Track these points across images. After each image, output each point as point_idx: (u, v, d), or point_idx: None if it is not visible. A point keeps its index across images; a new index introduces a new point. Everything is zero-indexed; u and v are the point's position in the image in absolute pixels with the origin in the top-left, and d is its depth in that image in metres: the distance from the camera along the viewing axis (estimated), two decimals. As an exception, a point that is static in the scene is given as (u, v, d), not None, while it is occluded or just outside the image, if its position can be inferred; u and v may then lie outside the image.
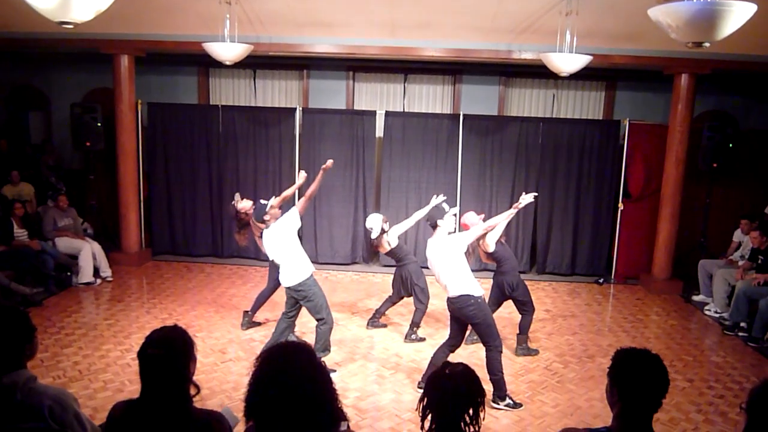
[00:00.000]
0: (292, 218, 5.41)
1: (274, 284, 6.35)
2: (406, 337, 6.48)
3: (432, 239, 5.19)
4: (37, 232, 7.95)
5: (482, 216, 6.03)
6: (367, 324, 6.83)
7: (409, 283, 6.51)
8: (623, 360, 2.26)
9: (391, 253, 6.62)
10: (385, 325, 6.87)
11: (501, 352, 5.03)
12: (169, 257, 9.39)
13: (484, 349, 5.01)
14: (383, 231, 6.38)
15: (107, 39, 8.13)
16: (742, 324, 7.06)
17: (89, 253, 8.00)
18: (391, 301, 6.78)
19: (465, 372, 2.39)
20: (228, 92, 10.16)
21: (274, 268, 5.97)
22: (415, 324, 6.50)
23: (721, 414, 5.17)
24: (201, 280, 8.43)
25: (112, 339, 6.26)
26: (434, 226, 5.21)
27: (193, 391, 2.40)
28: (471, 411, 2.32)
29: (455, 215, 5.43)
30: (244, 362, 5.75)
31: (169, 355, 2.33)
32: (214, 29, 6.91)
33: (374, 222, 6.44)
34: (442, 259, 5.04)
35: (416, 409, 2.40)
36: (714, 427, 4.95)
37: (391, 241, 6.41)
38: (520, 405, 5.06)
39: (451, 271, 4.99)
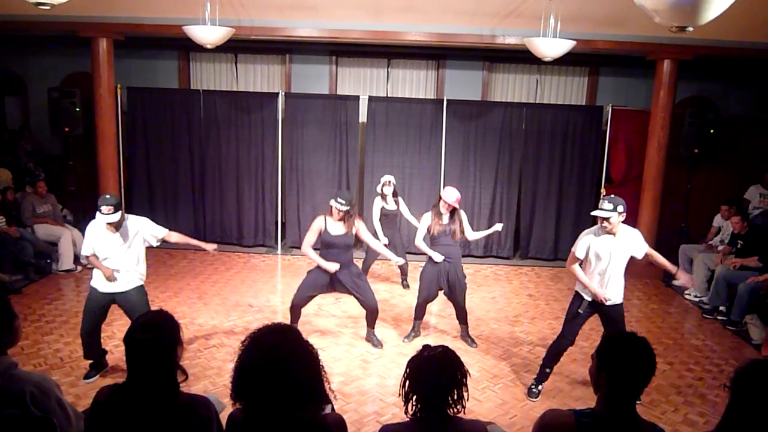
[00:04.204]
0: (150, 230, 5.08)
1: None
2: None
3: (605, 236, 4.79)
4: (16, 218, 7.83)
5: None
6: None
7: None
8: (612, 344, 2.25)
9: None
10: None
11: None
12: (151, 244, 9.29)
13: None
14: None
15: (85, 22, 7.97)
16: (721, 308, 7.17)
17: (69, 240, 7.91)
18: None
19: (445, 353, 2.39)
20: (209, 76, 10.04)
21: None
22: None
23: (700, 396, 5.25)
24: (183, 266, 8.37)
25: (93, 326, 6.19)
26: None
27: (180, 377, 2.38)
28: (455, 392, 2.33)
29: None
30: (227, 348, 5.73)
31: (156, 340, 2.32)
32: (195, 12, 6.81)
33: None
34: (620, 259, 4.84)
35: (399, 394, 2.40)
36: (693, 409, 5.02)
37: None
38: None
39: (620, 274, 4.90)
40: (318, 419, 2.24)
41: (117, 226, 4.85)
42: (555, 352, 5.12)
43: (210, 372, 5.30)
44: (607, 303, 4.83)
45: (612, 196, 4.79)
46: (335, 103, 9.06)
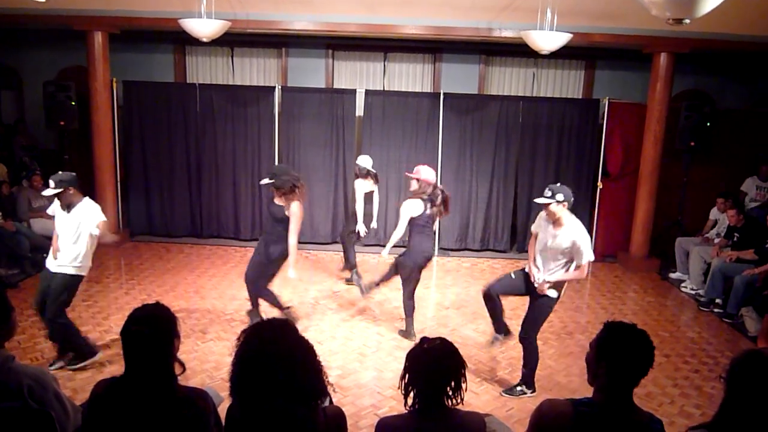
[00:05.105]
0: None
1: None
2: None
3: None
4: (12, 213, 7.81)
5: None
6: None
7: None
8: (613, 334, 2.25)
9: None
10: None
11: None
12: (148, 238, 9.29)
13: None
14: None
15: (80, 15, 7.94)
16: (717, 300, 7.20)
17: (65, 234, 7.88)
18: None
19: (444, 345, 2.40)
20: (205, 70, 10.01)
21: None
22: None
23: (696, 388, 5.28)
24: (180, 260, 8.36)
25: (90, 320, 6.19)
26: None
27: (178, 369, 2.39)
28: (453, 384, 2.34)
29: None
30: (225, 342, 5.73)
31: (152, 332, 2.32)
32: (190, 5, 6.77)
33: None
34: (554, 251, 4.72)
35: (398, 387, 2.40)
36: (689, 401, 5.05)
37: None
38: None
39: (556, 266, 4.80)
40: (317, 412, 2.24)
41: (65, 205, 4.95)
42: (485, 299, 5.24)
43: (207, 366, 5.30)
44: (534, 283, 4.80)
45: (557, 184, 4.69)
46: (332, 97, 9.04)
